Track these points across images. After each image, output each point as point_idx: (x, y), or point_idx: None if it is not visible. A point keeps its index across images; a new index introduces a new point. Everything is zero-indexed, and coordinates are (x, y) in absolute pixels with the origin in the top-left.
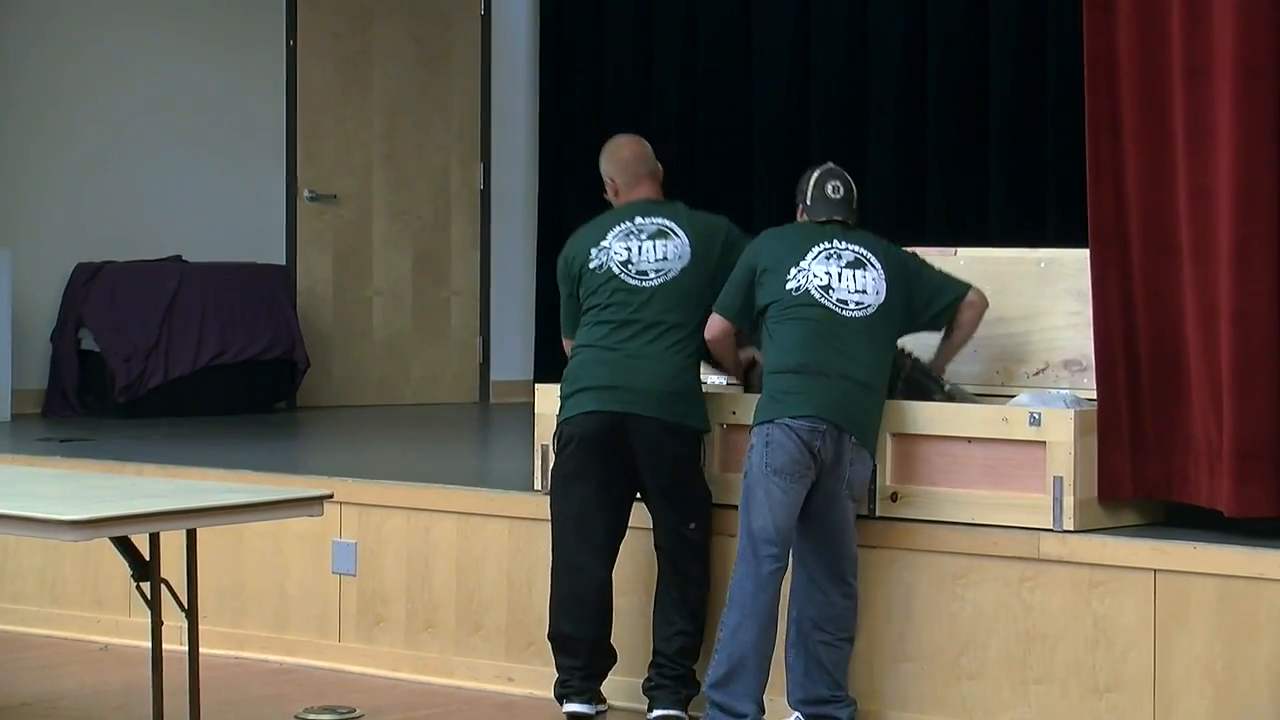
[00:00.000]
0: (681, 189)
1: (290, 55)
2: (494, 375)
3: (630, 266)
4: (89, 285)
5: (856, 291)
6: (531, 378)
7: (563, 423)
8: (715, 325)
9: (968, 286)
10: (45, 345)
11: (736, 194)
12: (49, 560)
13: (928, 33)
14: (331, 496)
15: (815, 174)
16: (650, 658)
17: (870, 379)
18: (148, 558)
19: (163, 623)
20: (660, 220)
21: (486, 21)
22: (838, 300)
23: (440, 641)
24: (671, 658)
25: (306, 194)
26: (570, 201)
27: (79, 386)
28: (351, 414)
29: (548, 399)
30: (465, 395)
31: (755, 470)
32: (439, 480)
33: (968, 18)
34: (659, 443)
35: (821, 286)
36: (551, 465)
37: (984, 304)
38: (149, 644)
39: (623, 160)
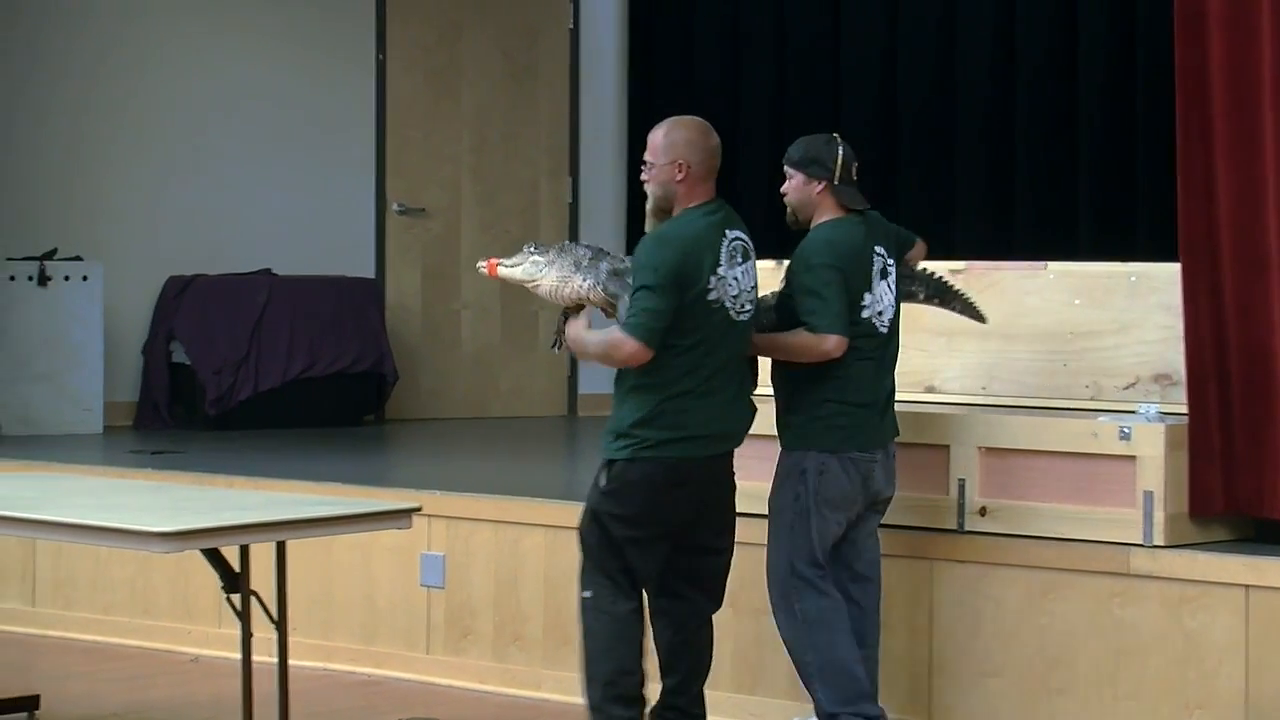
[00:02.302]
0: (771, 199)
1: (380, 68)
2: (582, 388)
3: (737, 300)
4: (180, 298)
5: (889, 307)
6: None
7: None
8: (836, 343)
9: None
10: (137, 358)
11: None
12: (140, 571)
13: (1016, 45)
14: (420, 509)
15: (840, 146)
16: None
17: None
18: (238, 570)
19: (252, 634)
20: (742, 235)
21: (575, 34)
22: (886, 322)
23: (528, 654)
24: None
25: (395, 207)
26: None
27: (170, 399)
28: (439, 427)
29: None
30: (553, 408)
31: (808, 497)
32: (527, 493)
33: (1057, 32)
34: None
35: (879, 313)
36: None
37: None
38: (239, 655)
39: (710, 148)
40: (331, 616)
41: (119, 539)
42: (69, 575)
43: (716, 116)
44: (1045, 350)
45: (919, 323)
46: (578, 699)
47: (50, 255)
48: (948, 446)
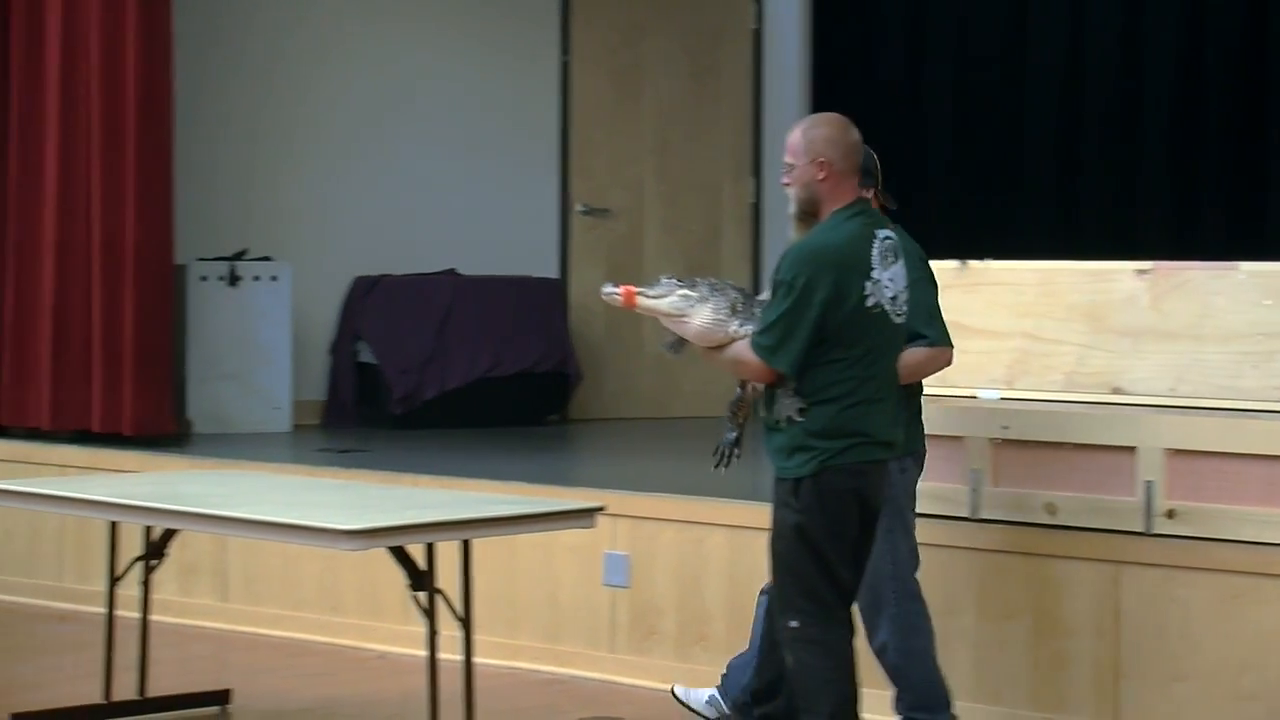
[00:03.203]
0: (952, 200)
1: (564, 69)
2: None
3: (895, 303)
4: (366, 299)
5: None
6: None
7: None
8: (947, 356)
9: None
10: (324, 357)
11: (1007, 206)
12: (328, 569)
13: (1205, 45)
14: (604, 509)
15: (868, 149)
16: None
17: None
18: (423, 568)
19: (438, 632)
20: (891, 234)
21: (758, 35)
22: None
23: (712, 654)
24: None
25: (579, 208)
26: None
27: (356, 398)
28: (623, 427)
29: None
30: None
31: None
32: (711, 493)
33: (1247, 30)
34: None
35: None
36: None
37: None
38: (424, 653)
39: (851, 144)
40: (515, 615)
41: (308, 537)
42: (259, 572)
43: (898, 116)
44: (1234, 351)
45: (1105, 324)
46: None
47: (240, 256)
48: (1134, 448)
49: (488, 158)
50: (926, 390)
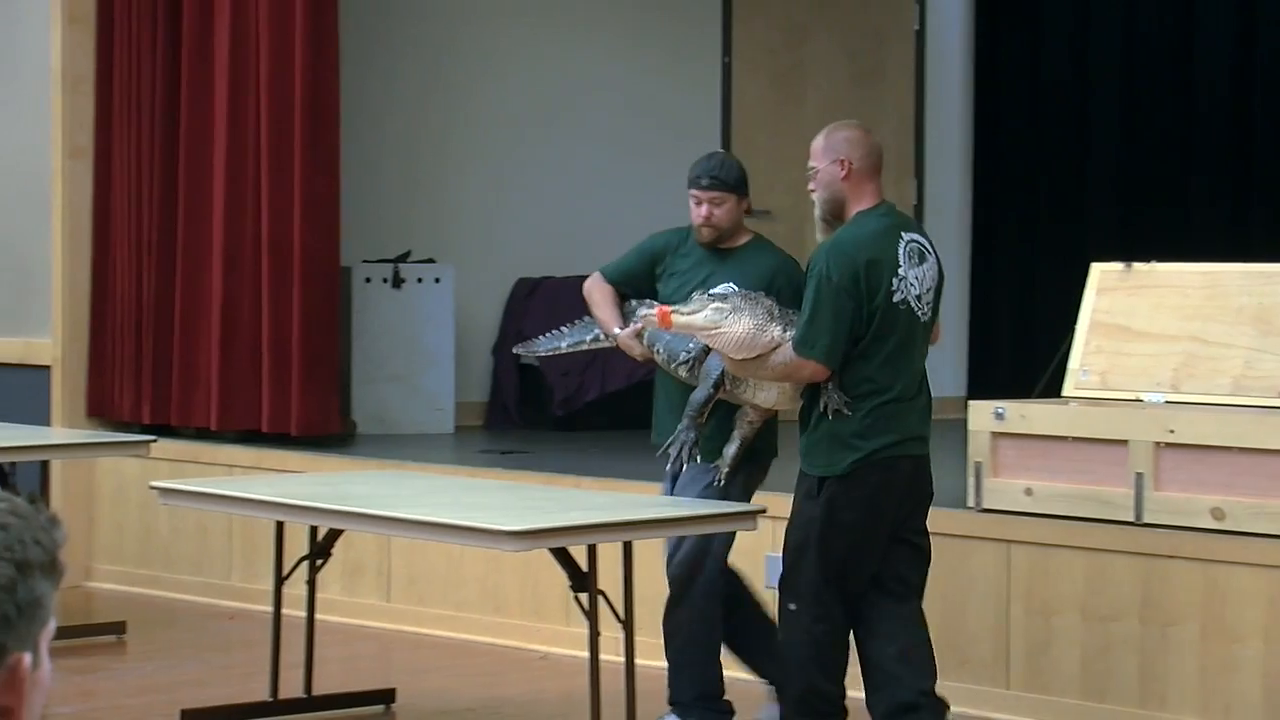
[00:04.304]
0: (1117, 202)
1: (725, 71)
2: None
3: (920, 301)
4: (528, 300)
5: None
6: (964, 394)
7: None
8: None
9: None
10: (487, 359)
11: (1174, 206)
12: (490, 569)
13: None
14: (765, 511)
15: (736, 159)
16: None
17: None
18: (585, 569)
19: (600, 633)
20: (918, 238)
21: (920, 36)
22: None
23: None
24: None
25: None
26: (1006, 216)
27: (519, 399)
28: (783, 429)
29: (981, 416)
30: None
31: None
32: None
33: None
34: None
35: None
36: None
37: None
38: (586, 654)
39: (872, 145)
40: None
41: (471, 537)
42: (423, 572)
43: (1062, 117)
44: None
45: (1274, 326)
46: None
47: (404, 258)
48: None
49: (648, 159)
50: (1091, 392)
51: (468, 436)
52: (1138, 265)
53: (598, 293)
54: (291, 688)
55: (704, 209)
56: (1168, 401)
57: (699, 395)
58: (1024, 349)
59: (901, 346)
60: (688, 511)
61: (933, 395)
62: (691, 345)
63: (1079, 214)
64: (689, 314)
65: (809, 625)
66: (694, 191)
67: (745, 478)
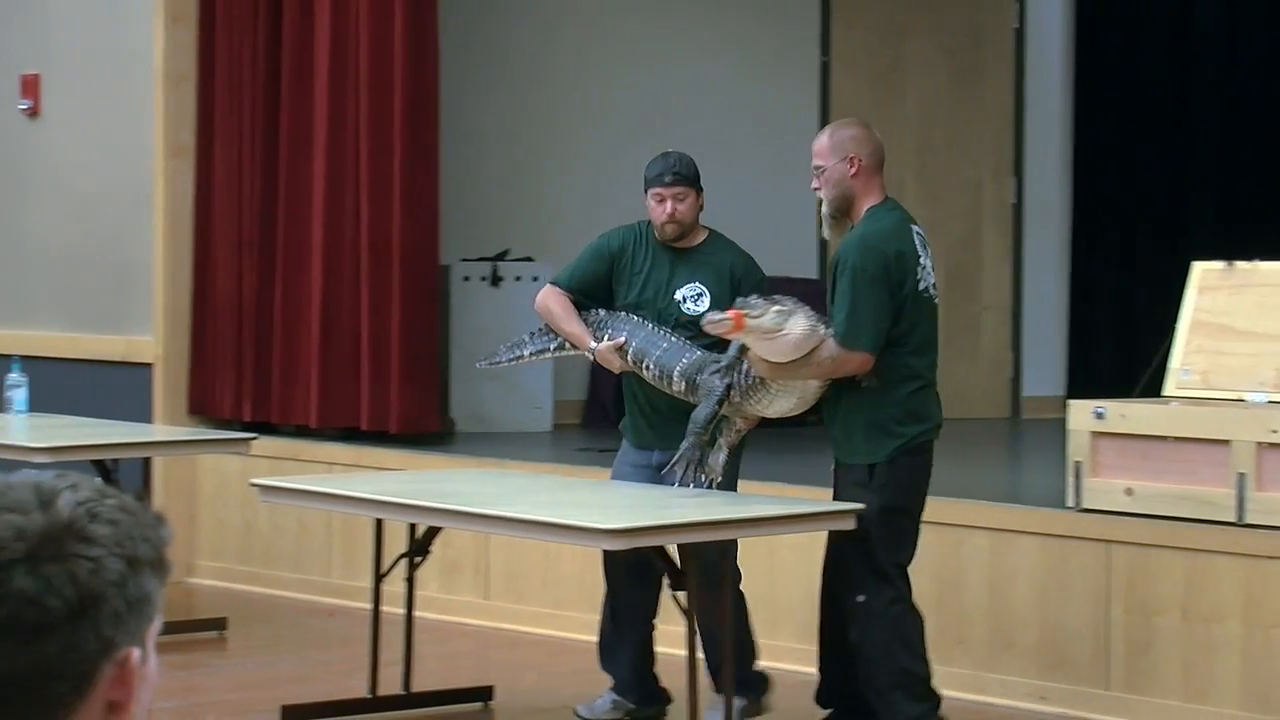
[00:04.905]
0: (1219, 200)
1: (824, 71)
2: (1025, 390)
3: (935, 288)
4: None
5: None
6: (1064, 393)
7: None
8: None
9: None
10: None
11: (1276, 204)
12: (588, 567)
13: None
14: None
15: (689, 156)
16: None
17: None
18: (682, 567)
19: (697, 632)
20: (920, 229)
21: (1020, 34)
22: None
23: (972, 657)
24: None
25: None
26: (1106, 215)
27: (616, 398)
28: None
29: (1081, 415)
30: (996, 410)
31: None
32: (970, 496)
33: None
34: None
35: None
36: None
37: None
38: (684, 653)
39: (877, 141)
40: (775, 615)
41: (570, 536)
42: (521, 570)
43: (1164, 114)
44: None
45: None
46: (1023, 703)
47: (502, 256)
48: None
49: (747, 159)
50: (1192, 392)
51: (565, 435)
52: (1239, 264)
53: (557, 305)
54: (390, 684)
55: (668, 205)
56: (1270, 401)
57: (703, 413)
58: (1124, 348)
59: (929, 333)
60: (786, 510)
61: (1032, 394)
62: (685, 361)
63: (1180, 212)
64: (757, 317)
65: (884, 610)
66: (656, 190)
67: (728, 481)
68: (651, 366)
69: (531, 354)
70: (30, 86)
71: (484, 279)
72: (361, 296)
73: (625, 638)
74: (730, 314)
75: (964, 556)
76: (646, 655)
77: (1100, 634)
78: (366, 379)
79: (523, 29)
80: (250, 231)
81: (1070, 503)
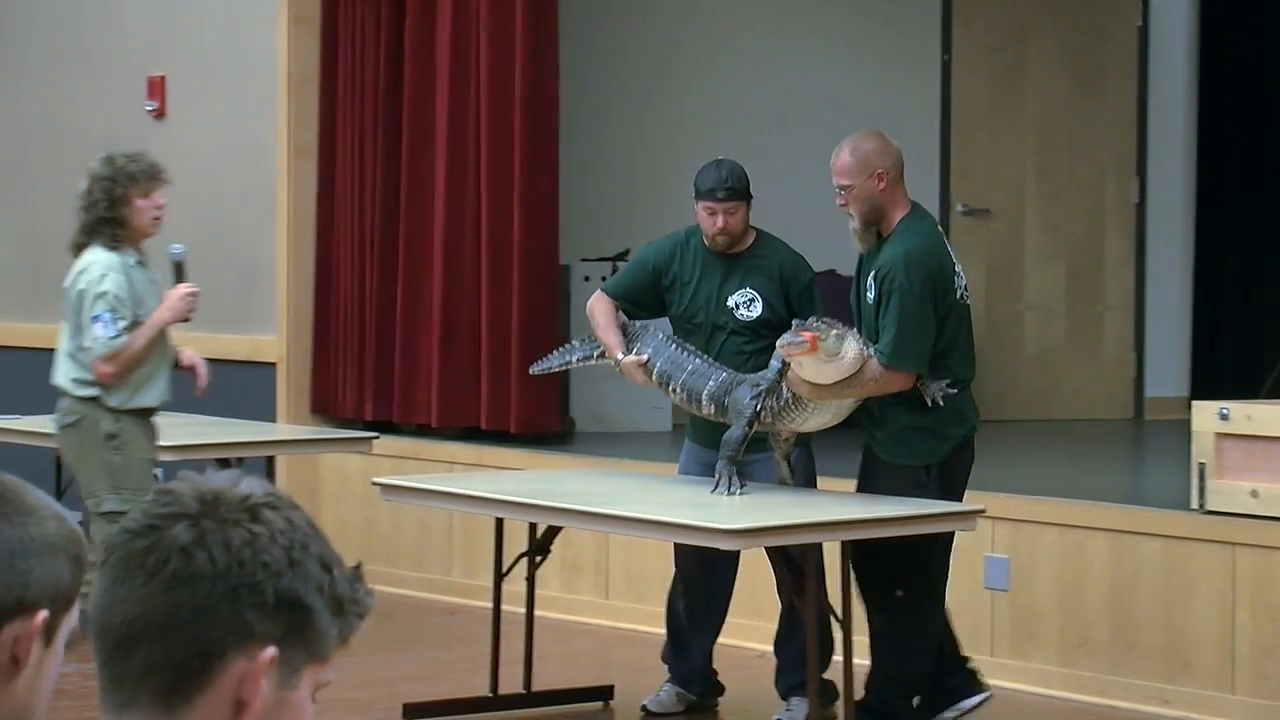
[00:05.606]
0: None
1: (945, 70)
2: (1148, 391)
3: (967, 290)
4: None
5: None
6: (1187, 394)
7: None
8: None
9: None
10: None
11: None
12: None
13: None
14: (984, 511)
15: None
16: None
17: None
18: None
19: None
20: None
21: (1144, 32)
22: None
23: (1094, 660)
24: None
25: (960, 208)
26: (1231, 215)
27: None
28: (1002, 429)
29: (1205, 416)
30: (1118, 411)
31: None
32: (1092, 497)
33: None
34: None
35: None
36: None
37: None
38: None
39: (897, 150)
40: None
41: (690, 535)
42: (640, 569)
43: None
44: None
45: None
46: (1146, 706)
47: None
48: None
49: None
50: None
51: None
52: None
53: (600, 313)
54: (511, 683)
55: (719, 219)
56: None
57: (735, 434)
58: (1249, 349)
59: (969, 337)
60: (907, 511)
61: (1156, 395)
62: (712, 383)
63: None
64: (824, 340)
65: (918, 608)
66: (707, 203)
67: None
68: (679, 390)
69: (579, 360)
70: (156, 88)
71: (604, 279)
72: (482, 296)
73: (700, 633)
74: (806, 336)
75: (1086, 559)
76: (712, 649)
77: (1225, 638)
78: (487, 379)
79: (645, 31)
80: (372, 232)
81: (1194, 505)
